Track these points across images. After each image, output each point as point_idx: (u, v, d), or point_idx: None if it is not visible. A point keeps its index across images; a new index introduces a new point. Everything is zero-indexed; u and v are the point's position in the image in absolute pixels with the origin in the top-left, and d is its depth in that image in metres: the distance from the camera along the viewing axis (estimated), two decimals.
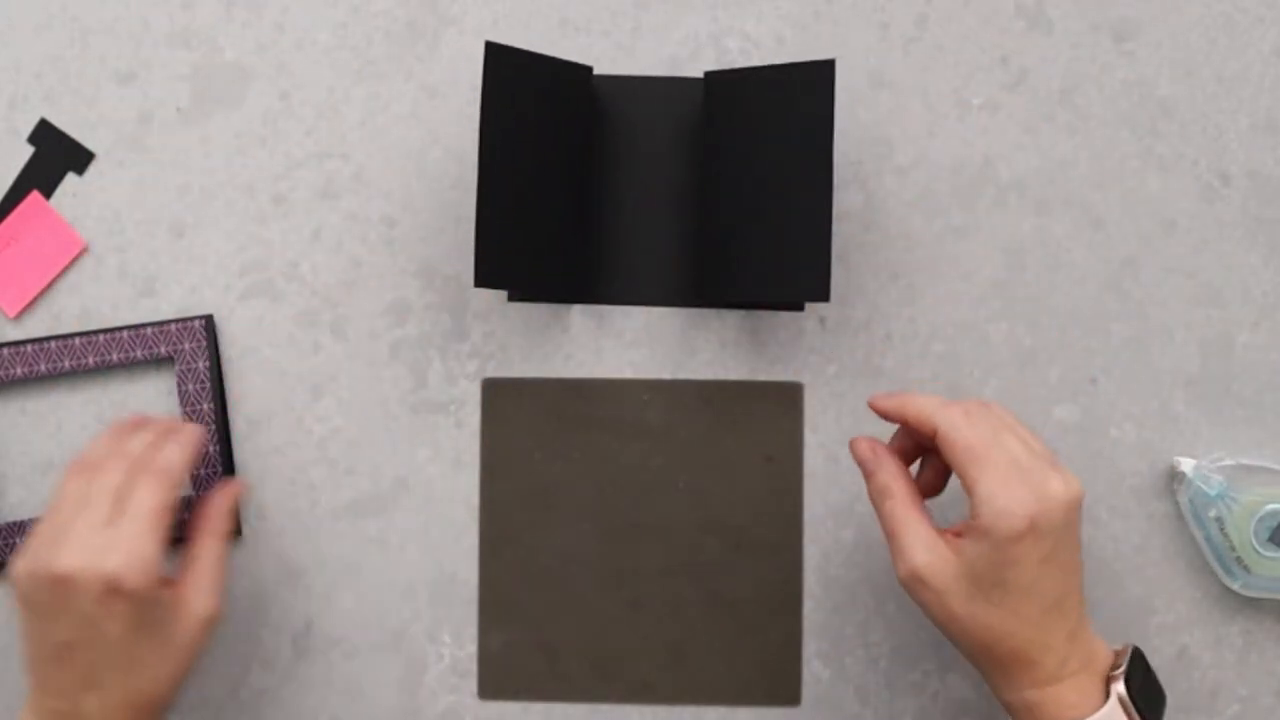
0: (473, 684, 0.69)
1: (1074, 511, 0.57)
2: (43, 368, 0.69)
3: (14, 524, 0.69)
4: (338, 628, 0.69)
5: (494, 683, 0.69)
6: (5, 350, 0.69)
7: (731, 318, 0.70)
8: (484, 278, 0.62)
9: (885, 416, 0.61)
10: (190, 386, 0.69)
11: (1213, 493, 0.67)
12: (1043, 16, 0.71)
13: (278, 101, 0.71)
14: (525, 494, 0.70)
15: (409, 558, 0.70)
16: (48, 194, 0.71)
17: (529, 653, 0.69)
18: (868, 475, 0.61)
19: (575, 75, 0.67)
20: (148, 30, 0.71)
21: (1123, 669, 0.58)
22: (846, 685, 0.69)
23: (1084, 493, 0.58)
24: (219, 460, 0.69)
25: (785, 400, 0.70)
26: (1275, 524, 0.66)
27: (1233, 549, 0.67)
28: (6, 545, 0.69)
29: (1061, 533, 0.57)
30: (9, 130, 0.71)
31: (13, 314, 0.70)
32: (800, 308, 0.70)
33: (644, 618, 0.69)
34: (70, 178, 0.71)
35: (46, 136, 0.71)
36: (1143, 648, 0.69)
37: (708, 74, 0.68)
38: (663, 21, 0.71)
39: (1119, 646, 0.60)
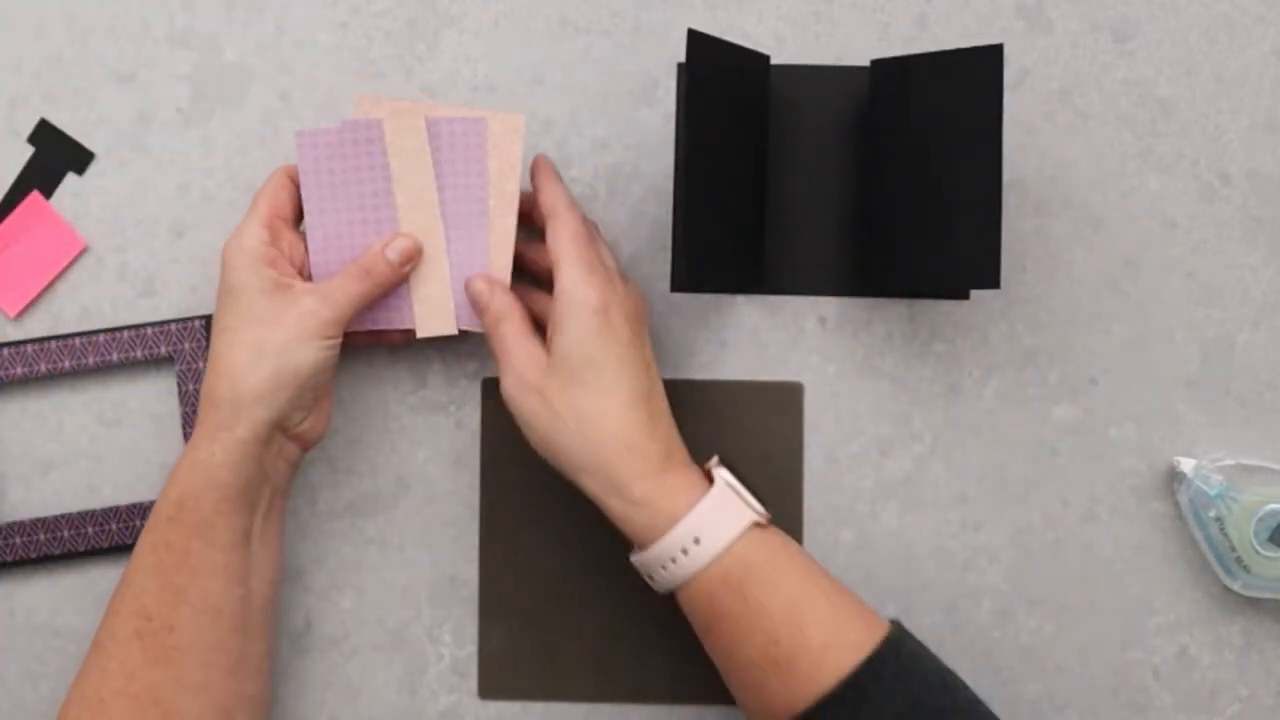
0: (473, 684, 0.69)
1: (641, 320, 0.62)
2: (43, 368, 0.69)
3: (14, 524, 0.69)
4: (338, 628, 0.69)
5: (494, 683, 0.69)
6: (5, 350, 0.69)
7: (731, 316, 0.70)
8: (687, 282, 0.63)
9: (532, 179, 0.65)
10: (191, 386, 0.69)
11: (1213, 493, 0.67)
12: (1043, 16, 0.71)
13: (278, 101, 0.71)
14: (525, 494, 0.69)
15: (409, 558, 0.70)
16: (48, 194, 0.71)
17: (529, 653, 0.69)
18: (482, 309, 0.64)
19: (756, 64, 0.68)
20: (148, 30, 0.71)
21: (716, 458, 0.62)
22: None
23: (646, 307, 0.64)
24: None
25: (785, 400, 0.70)
26: (1275, 524, 0.66)
27: (1233, 549, 0.67)
28: (7, 545, 0.69)
29: (633, 331, 0.61)
30: (9, 130, 0.71)
31: (13, 314, 0.70)
32: (965, 295, 0.70)
33: (644, 617, 0.69)
34: (70, 178, 0.71)
35: (46, 136, 0.71)
36: (1143, 648, 0.69)
37: (874, 61, 0.68)
38: (663, 21, 0.71)
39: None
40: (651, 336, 0.70)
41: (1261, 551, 0.66)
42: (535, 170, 0.65)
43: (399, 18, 0.71)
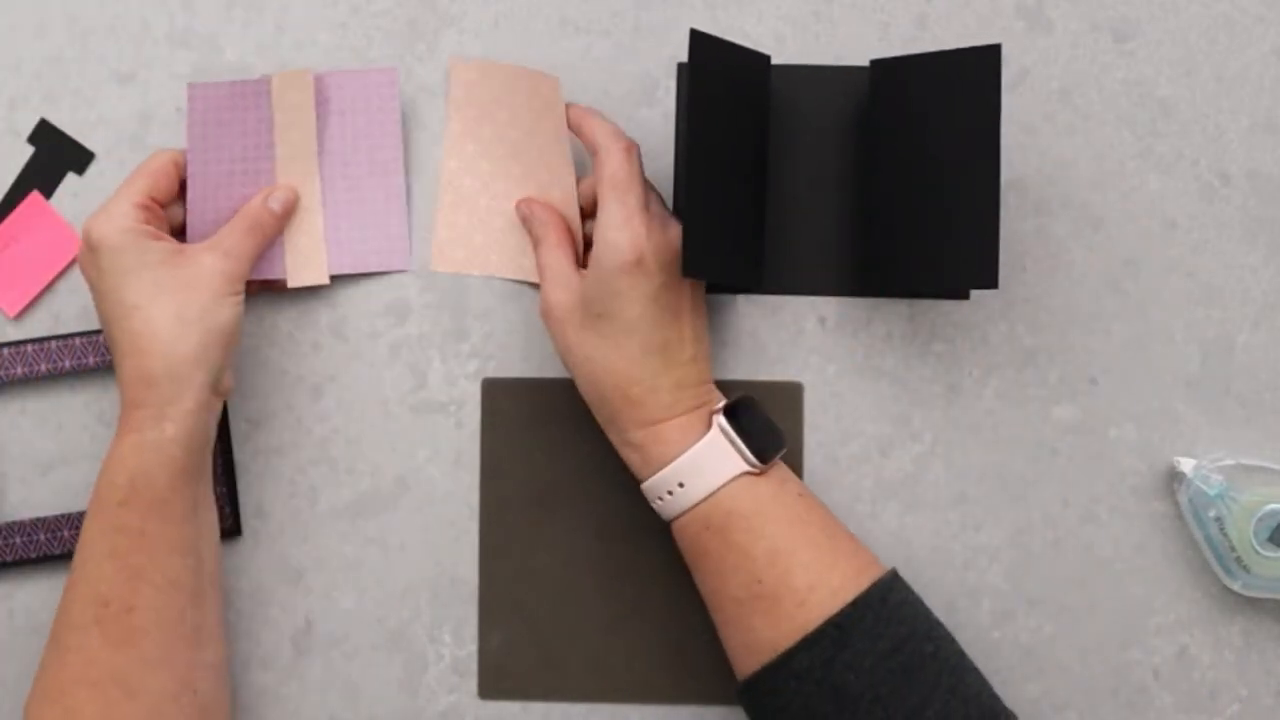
0: (473, 684, 0.69)
1: (671, 256, 0.62)
2: (43, 368, 0.69)
3: (14, 524, 0.69)
4: (338, 628, 0.69)
5: (494, 683, 0.69)
6: (5, 350, 0.69)
7: (731, 316, 0.70)
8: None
9: (570, 125, 0.66)
10: None
11: (1213, 493, 0.67)
12: (1043, 16, 0.71)
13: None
14: (525, 494, 0.69)
15: (409, 558, 0.70)
16: (48, 194, 0.71)
17: (529, 652, 0.69)
18: (529, 230, 0.67)
19: (757, 64, 0.68)
20: (148, 30, 0.71)
21: (722, 404, 0.62)
22: None
23: (674, 242, 0.62)
24: (219, 460, 0.69)
25: (785, 400, 0.70)
26: (1275, 524, 0.66)
27: (1232, 549, 0.67)
28: (7, 545, 0.69)
29: (669, 276, 0.62)
30: (9, 130, 0.71)
31: (12, 314, 0.70)
32: (965, 295, 0.70)
33: (644, 617, 0.69)
34: (70, 178, 0.71)
35: (46, 136, 0.71)
36: (1143, 648, 0.69)
37: (873, 62, 0.68)
38: (663, 21, 0.71)
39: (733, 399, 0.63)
40: None
41: (1261, 551, 0.66)
42: (571, 114, 0.66)
43: (399, 18, 0.71)
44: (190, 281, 0.62)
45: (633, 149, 0.64)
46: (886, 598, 0.59)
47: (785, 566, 0.59)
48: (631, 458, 0.63)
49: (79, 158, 0.71)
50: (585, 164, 0.70)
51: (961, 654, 0.60)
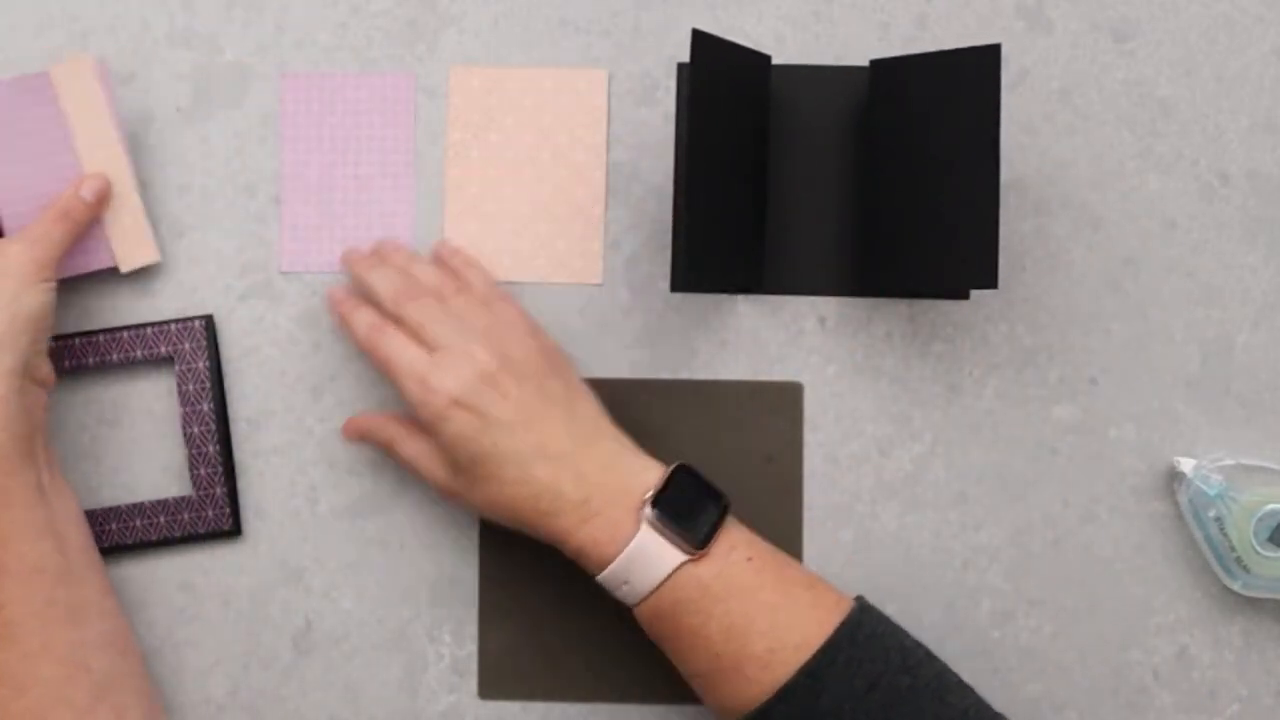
0: (473, 684, 0.69)
1: (488, 379, 0.61)
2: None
3: None
4: (338, 628, 0.69)
5: (494, 683, 0.69)
6: None
7: (731, 316, 0.70)
8: (687, 282, 0.63)
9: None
10: (190, 386, 0.69)
11: (1212, 493, 0.67)
12: (1043, 16, 0.71)
13: (278, 101, 0.71)
14: None
15: (409, 558, 0.70)
16: None
17: (529, 652, 0.69)
18: (376, 443, 0.67)
19: (758, 64, 0.68)
20: (148, 30, 0.71)
21: (649, 494, 0.60)
22: None
23: (487, 361, 0.61)
24: (219, 460, 0.69)
25: (785, 400, 0.70)
26: (1275, 524, 0.66)
27: (1232, 549, 0.67)
28: None
29: (486, 398, 0.60)
30: None
31: None
32: (965, 295, 0.70)
33: None
34: None
35: None
36: (1143, 648, 0.69)
37: (873, 62, 0.68)
38: (663, 21, 0.71)
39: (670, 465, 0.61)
40: (652, 336, 0.70)
41: (1261, 551, 0.66)
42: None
43: (399, 18, 0.71)
44: None
45: (351, 319, 0.64)
46: (855, 636, 0.59)
47: (742, 639, 0.59)
48: (579, 560, 0.62)
49: None
50: (617, 161, 0.71)
51: (941, 673, 0.59)
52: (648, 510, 0.60)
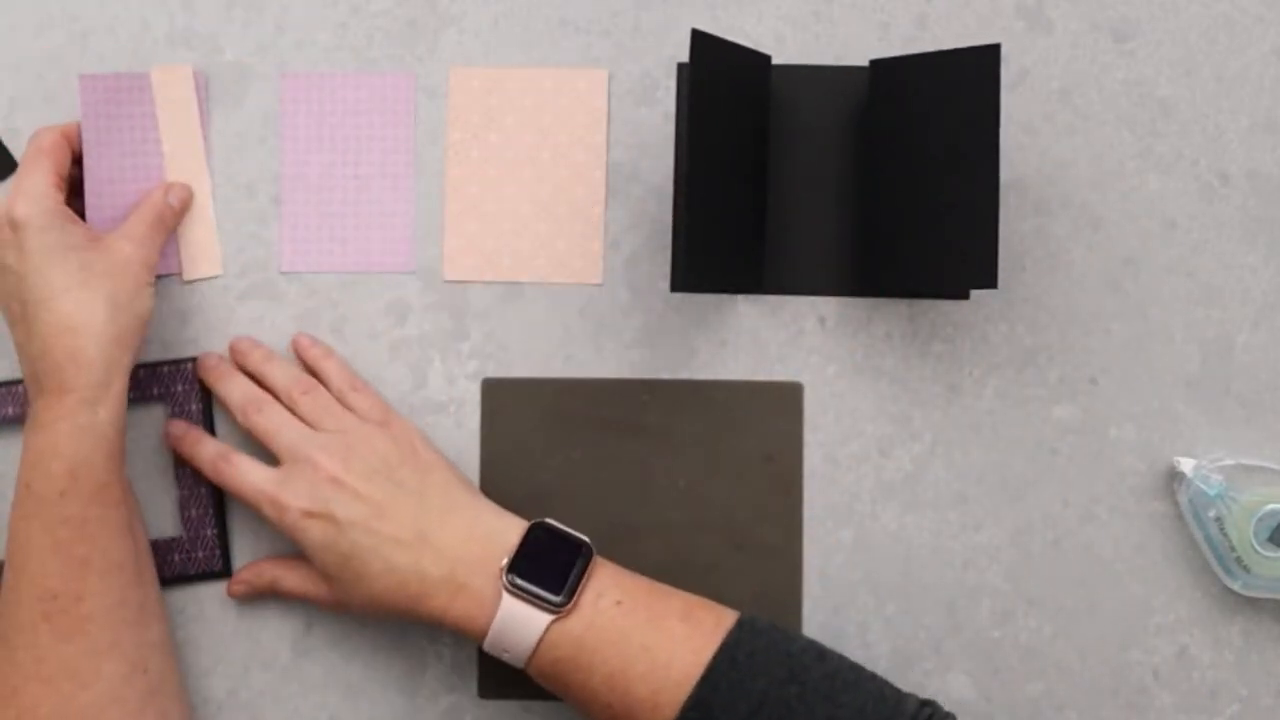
0: (473, 684, 0.69)
1: (334, 484, 0.62)
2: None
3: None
4: (338, 628, 0.69)
5: (494, 683, 0.69)
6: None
7: (731, 316, 0.70)
8: (687, 282, 0.63)
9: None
10: (193, 407, 0.69)
11: (1212, 493, 0.67)
12: (1043, 16, 0.71)
13: (278, 101, 0.71)
14: (525, 494, 0.69)
15: None
16: None
17: None
18: (269, 590, 0.67)
19: (758, 64, 0.68)
20: (148, 30, 0.71)
21: (506, 560, 0.61)
22: None
23: (330, 466, 0.62)
24: (210, 501, 0.68)
25: (785, 400, 0.70)
26: (1275, 524, 0.66)
27: (1232, 549, 0.67)
28: None
29: (335, 502, 0.61)
30: (9, 130, 0.71)
31: None
32: (965, 295, 0.70)
33: None
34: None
35: None
36: (1143, 648, 0.69)
37: (873, 62, 0.68)
38: (663, 21, 0.71)
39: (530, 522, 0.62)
40: (652, 336, 0.70)
41: (1261, 551, 0.66)
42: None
43: (399, 18, 0.71)
44: (114, 268, 0.63)
45: (195, 452, 0.66)
46: (735, 657, 0.58)
47: (624, 687, 0.59)
48: (463, 635, 0.62)
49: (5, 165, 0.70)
50: (616, 161, 0.71)
51: (832, 673, 0.59)
52: (505, 576, 0.60)
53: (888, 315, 0.70)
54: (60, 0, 0.71)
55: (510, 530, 0.62)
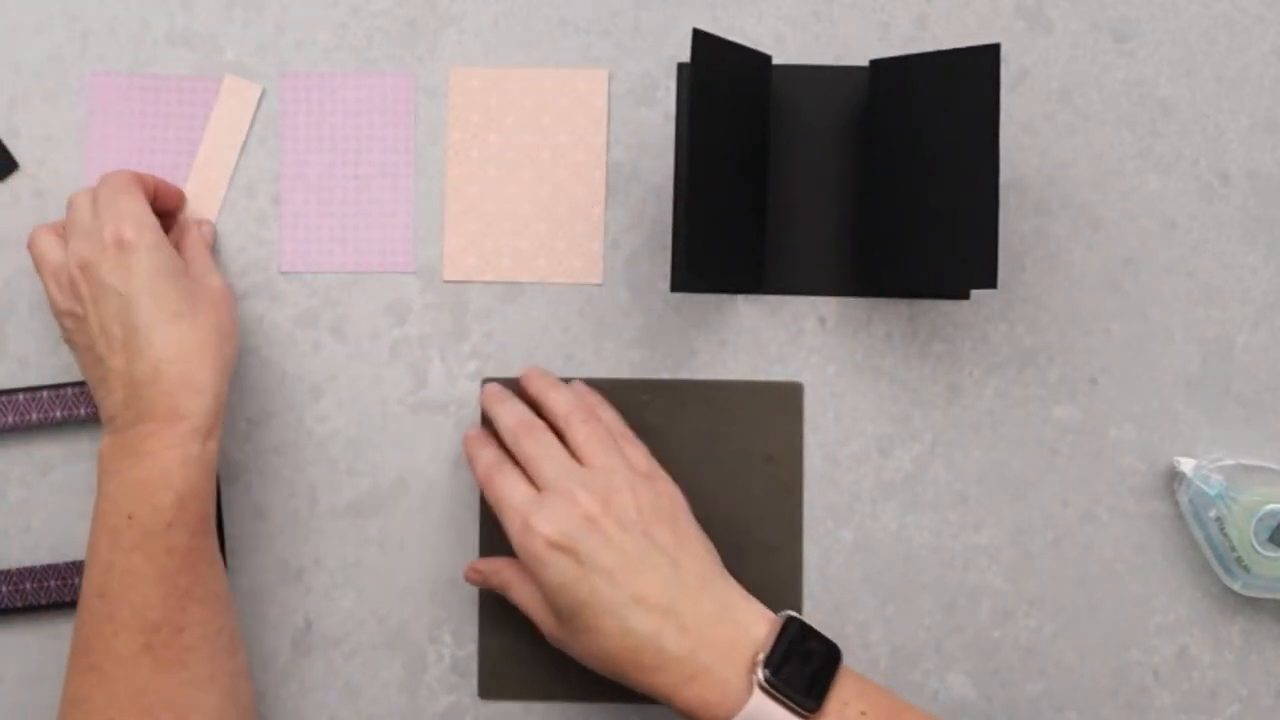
0: (473, 684, 0.69)
1: (590, 523, 0.59)
2: (34, 417, 0.68)
3: (5, 572, 0.69)
4: (338, 628, 0.69)
5: (494, 683, 0.69)
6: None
7: (731, 316, 0.70)
8: (687, 282, 0.62)
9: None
10: None
11: (1213, 493, 0.67)
12: (1043, 16, 0.71)
13: (278, 101, 0.71)
14: None
15: (409, 558, 0.70)
16: None
17: (529, 653, 0.69)
18: (494, 588, 0.66)
19: (759, 64, 0.68)
20: (148, 30, 0.71)
21: (761, 655, 0.57)
22: None
23: (590, 505, 0.59)
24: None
25: (785, 400, 0.70)
26: (1275, 524, 0.66)
27: (1233, 549, 0.67)
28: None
29: (586, 543, 0.58)
30: (9, 130, 0.71)
31: None
32: (965, 295, 0.70)
33: None
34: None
35: None
36: (1143, 648, 0.69)
37: (873, 62, 0.68)
38: (663, 21, 0.71)
39: (780, 616, 0.59)
40: (652, 336, 0.70)
41: (1261, 551, 0.66)
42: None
43: (399, 18, 0.71)
44: (215, 299, 0.63)
45: (474, 456, 0.64)
46: None
47: None
48: (694, 716, 0.58)
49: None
50: (616, 161, 0.70)
51: None
52: (760, 673, 0.56)
53: (888, 315, 0.70)
54: (60, 0, 0.71)
55: (759, 620, 0.59)
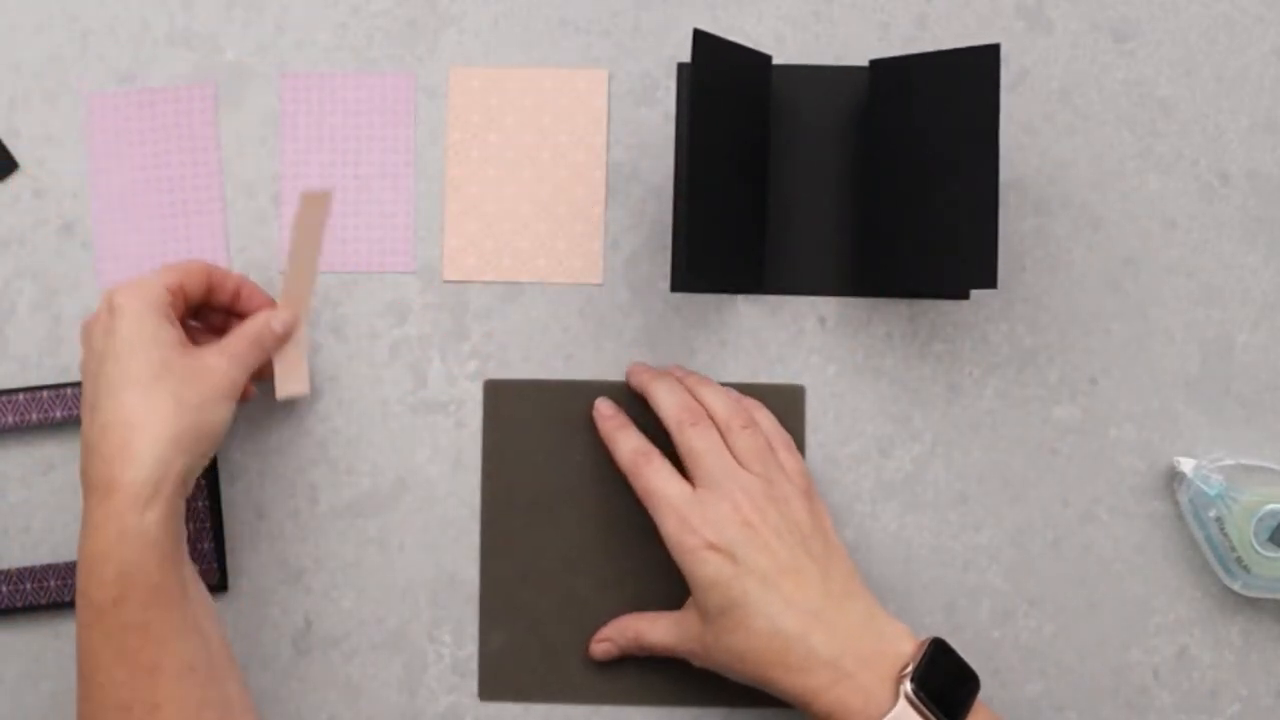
0: (473, 684, 0.69)
1: (749, 528, 0.60)
2: (34, 417, 0.68)
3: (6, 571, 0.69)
4: (338, 628, 0.69)
5: (494, 683, 0.69)
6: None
7: (731, 316, 0.70)
8: (687, 282, 0.62)
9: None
10: None
11: (1213, 493, 0.67)
12: (1043, 16, 0.71)
13: (278, 101, 0.71)
14: (526, 495, 0.69)
15: (409, 558, 0.70)
16: None
17: (529, 653, 0.69)
18: (633, 644, 0.67)
19: (759, 64, 0.68)
20: (148, 30, 0.71)
21: (911, 667, 0.58)
22: None
23: (751, 510, 0.61)
24: (207, 514, 0.68)
25: (787, 403, 0.70)
26: (1275, 524, 0.66)
27: (1233, 549, 0.67)
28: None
29: (744, 546, 0.60)
30: (9, 130, 0.71)
31: None
32: (965, 295, 0.70)
33: None
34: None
35: None
36: (1143, 648, 0.69)
37: (872, 62, 0.68)
38: (663, 21, 0.71)
39: (923, 638, 0.60)
40: (652, 336, 0.70)
41: (1261, 551, 0.66)
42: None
43: (399, 18, 0.71)
44: (196, 373, 0.61)
45: (616, 439, 0.65)
46: None
47: None
48: None
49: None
50: (616, 161, 0.70)
51: None
52: (908, 685, 0.58)
53: (888, 315, 0.70)
54: (60, 0, 0.71)
55: (904, 638, 0.60)
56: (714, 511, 0.61)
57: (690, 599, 0.63)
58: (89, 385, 0.61)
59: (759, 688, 0.61)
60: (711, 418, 0.65)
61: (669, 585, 0.68)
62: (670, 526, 0.61)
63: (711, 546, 0.60)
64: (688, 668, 0.66)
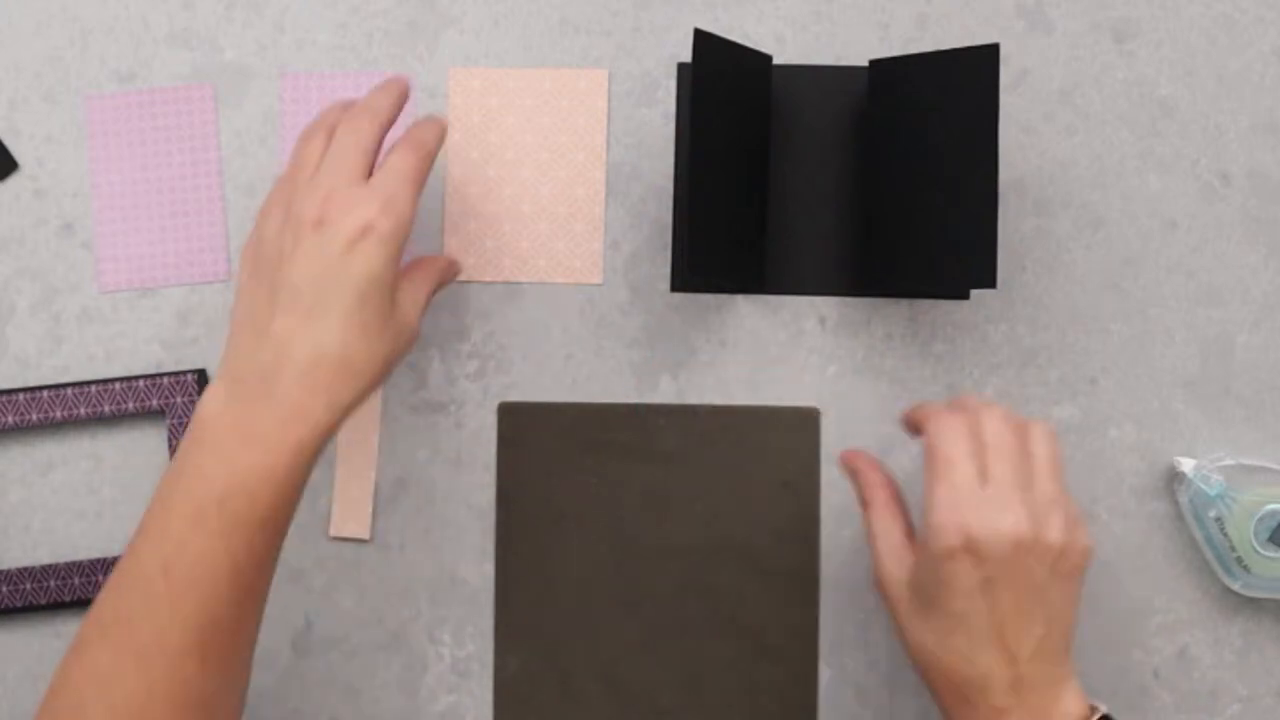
0: (473, 684, 0.69)
1: (1021, 548, 0.55)
2: (34, 417, 0.68)
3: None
4: (338, 628, 0.69)
5: (510, 708, 0.68)
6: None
7: (731, 316, 0.70)
8: (687, 282, 0.62)
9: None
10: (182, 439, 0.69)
11: (1213, 493, 0.67)
12: (1043, 16, 0.71)
13: (278, 101, 0.71)
14: (541, 518, 0.69)
15: (409, 558, 0.70)
16: None
17: (544, 677, 0.68)
18: (856, 486, 0.62)
19: (759, 64, 0.68)
20: (148, 30, 0.71)
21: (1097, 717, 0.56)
22: (846, 685, 0.69)
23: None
24: None
25: (802, 426, 0.69)
26: (1275, 524, 0.66)
27: (1233, 549, 0.67)
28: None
29: (1007, 568, 0.55)
30: (9, 130, 0.71)
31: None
32: (965, 295, 0.70)
33: (660, 642, 0.68)
34: None
35: None
36: (1143, 648, 0.69)
37: (872, 62, 0.68)
38: (663, 21, 0.71)
39: (1103, 710, 0.57)
40: (652, 336, 0.70)
41: (1261, 551, 0.66)
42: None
43: (399, 18, 0.71)
44: (402, 333, 0.60)
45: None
46: None
47: None
48: None
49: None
50: (616, 161, 0.70)
51: None
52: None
53: (888, 315, 0.70)
54: (60, 0, 0.71)
55: (1078, 699, 0.57)
56: (991, 515, 0.55)
57: (916, 560, 0.58)
58: (297, 273, 0.56)
59: (925, 683, 0.59)
60: (982, 439, 0.58)
61: (685, 609, 0.68)
62: (938, 509, 0.56)
63: (970, 551, 0.55)
64: (703, 691, 0.65)
